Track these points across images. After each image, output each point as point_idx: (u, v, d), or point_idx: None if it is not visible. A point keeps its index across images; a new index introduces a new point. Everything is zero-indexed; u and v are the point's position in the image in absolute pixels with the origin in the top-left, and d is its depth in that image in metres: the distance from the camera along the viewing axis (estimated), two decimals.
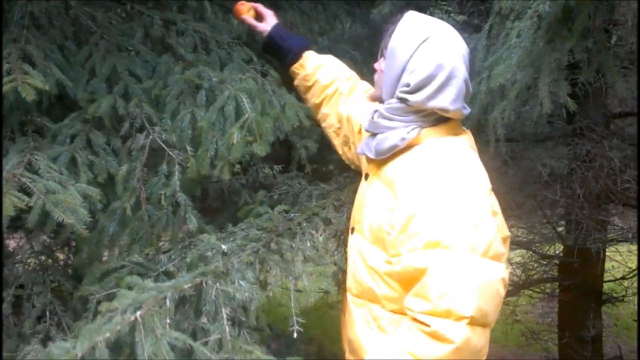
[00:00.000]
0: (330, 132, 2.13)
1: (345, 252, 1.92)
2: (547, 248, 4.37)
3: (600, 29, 1.83)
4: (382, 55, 1.81)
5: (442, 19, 2.26)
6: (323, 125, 2.14)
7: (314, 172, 2.16)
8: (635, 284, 4.79)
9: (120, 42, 2.05)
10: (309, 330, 2.07)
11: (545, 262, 4.37)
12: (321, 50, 2.27)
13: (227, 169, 1.82)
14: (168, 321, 1.42)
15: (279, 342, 1.69)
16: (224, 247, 1.70)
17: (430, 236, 1.51)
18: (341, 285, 1.96)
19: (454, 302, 1.47)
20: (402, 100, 1.69)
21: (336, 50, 2.42)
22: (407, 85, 1.66)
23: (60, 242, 2.13)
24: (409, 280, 1.56)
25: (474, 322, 1.48)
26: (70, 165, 1.81)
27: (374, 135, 1.77)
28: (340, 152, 2.13)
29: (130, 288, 1.50)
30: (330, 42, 2.48)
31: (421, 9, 2.58)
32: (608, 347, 4.64)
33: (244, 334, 1.51)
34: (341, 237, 1.94)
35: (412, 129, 1.68)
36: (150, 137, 1.91)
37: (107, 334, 1.34)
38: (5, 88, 1.70)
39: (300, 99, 2.14)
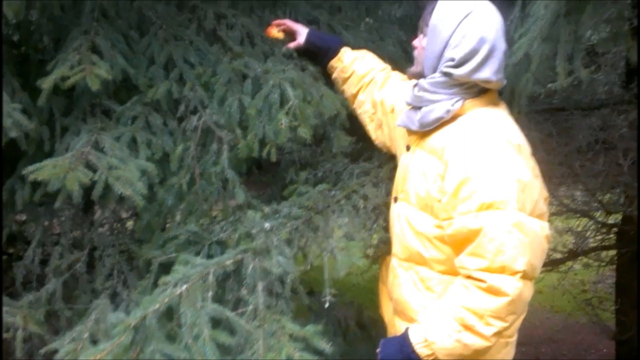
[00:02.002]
0: (365, 118, 2.27)
1: (384, 225, 2.07)
2: (605, 216, 4.34)
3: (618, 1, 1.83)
4: (422, 33, 1.92)
5: None
6: (359, 112, 2.28)
7: (357, 151, 2.29)
8: None
9: (177, 32, 2.22)
10: (348, 295, 2.25)
11: (604, 230, 4.35)
12: (368, 30, 2.37)
13: (274, 151, 2.00)
14: (210, 294, 1.62)
15: (320, 306, 1.87)
16: (266, 225, 1.87)
17: (483, 198, 1.66)
18: (377, 256, 2.12)
19: (508, 259, 1.63)
20: (447, 74, 1.80)
21: (383, 30, 2.50)
22: (452, 59, 1.77)
23: (126, 211, 2.37)
24: (461, 242, 1.71)
25: (525, 276, 1.64)
26: (131, 143, 2.02)
27: (416, 108, 1.89)
28: (373, 136, 2.26)
29: (184, 264, 1.70)
30: (377, 22, 2.55)
31: None
32: None
33: (280, 304, 1.69)
34: (379, 212, 2.07)
35: (456, 101, 1.81)
36: (203, 119, 2.09)
37: (157, 305, 1.56)
38: (75, 78, 1.91)
39: (337, 91, 2.28)
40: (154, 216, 2.08)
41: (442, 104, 1.81)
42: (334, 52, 2.28)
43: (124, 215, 2.45)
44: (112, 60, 2.02)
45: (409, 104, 1.94)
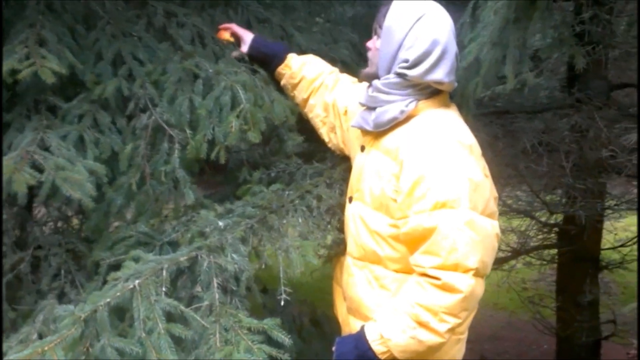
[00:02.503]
0: (317, 122, 2.27)
1: (338, 226, 2.08)
2: (546, 216, 4.48)
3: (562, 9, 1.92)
4: (375, 34, 1.94)
5: None
6: (310, 116, 2.29)
7: (310, 152, 2.30)
8: (634, 251, 4.90)
9: (125, 28, 2.18)
10: (302, 293, 2.25)
11: (545, 230, 4.49)
12: (321, 32, 2.38)
13: (223, 152, 1.98)
14: (164, 289, 1.60)
15: (276, 303, 1.88)
16: (220, 223, 1.86)
17: (437, 197, 1.69)
18: (331, 256, 2.13)
19: (461, 256, 1.67)
20: (401, 75, 1.83)
21: (335, 32, 2.53)
22: (406, 60, 1.80)
23: (74, 209, 2.31)
24: (416, 240, 1.74)
25: (477, 273, 1.68)
26: (78, 142, 1.97)
27: (370, 109, 1.91)
28: (327, 139, 2.28)
29: (135, 260, 1.67)
30: (330, 24, 2.57)
31: None
32: (603, 313, 4.78)
33: (235, 301, 1.68)
34: (332, 212, 2.08)
35: (410, 102, 1.84)
36: (153, 117, 2.05)
37: (108, 299, 1.52)
38: (25, 72, 1.85)
39: (287, 96, 2.28)
40: (103, 217, 2.04)
41: (397, 104, 1.84)
42: (280, 59, 2.28)
43: (70, 213, 2.38)
44: (59, 54, 1.96)
45: (363, 105, 1.96)
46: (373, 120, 1.89)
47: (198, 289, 1.67)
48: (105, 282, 1.78)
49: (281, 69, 2.28)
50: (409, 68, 1.81)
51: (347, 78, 2.29)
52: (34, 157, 1.81)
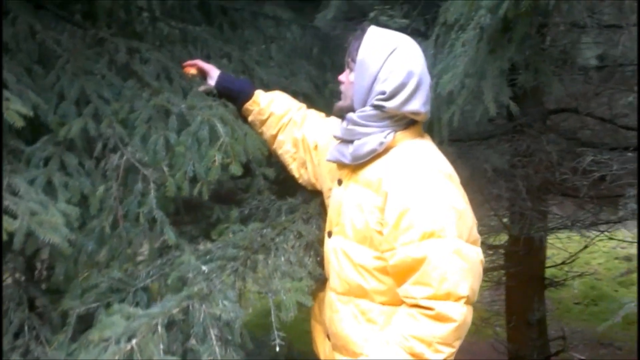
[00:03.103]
0: (287, 158, 2.26)
1: (318, 261, 2.05)
2: (493, 239, 4.61)
3: (535, 36, 2.00)
4: (348, 68, 1.94)
5: (386, 23, 2.43)
6: (279, 152, 2.27)
7: (281, 188, 2.26)
8: (575, 268, 5.11)
9: (86, 66, 2.08)
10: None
11: (492, 252, 4.61)
12: (279, 66, 2.38)
13: (206, 188, 1.93)
14: (162, 347, 1.50)
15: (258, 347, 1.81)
16: (204, 268, 1.78)
17: (424, 228, 1.70)
18: (310, 292, 2.08)
19: (452, 285, 1.67)
20: (378, 107, 1.83)
21: (293, 65, 2.52)
22: (383, 92, 1.82)
23: (35, 259, 2.16)
24: (405, 272, 1.73)
25: (468, 300, 1.69)
26: (46, 186, 1.85)
27: (347, 142, 1.90)
28: (297, 175, 2.26)
29: (127, 317, 1.57)
30: (284, 56, 2.57)
31: (365, 14, 2.73)
32: (552, 329, 4.93)
33: (230, 351, 1.60)
34: (312, 248, 2.05)
35: (388, 133, 1.85)
36: (125, 157, 1.96)
37: None
38: None
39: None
40: (72, 264, 1.91)
41: (375, 136, 1.85)
42: (247, 95, 2.26)
43: (37, 262, 2.22)
44: (21, 95, 1.85)
45: (338, 138, 1.95)
46: (351, 153, 1.88)
47: (192, 341, 1.59)
48: (73, 338, 1.70)
49: (249, 105, 2.25)
50: (385, 100, 1.82)
51: (314, 113, 2.28)
52: (5, 203, 1.69)
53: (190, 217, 2.15)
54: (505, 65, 1.94)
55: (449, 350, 1.69)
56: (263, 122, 2.26)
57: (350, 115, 1.90)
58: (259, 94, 2.27)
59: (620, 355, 5.70)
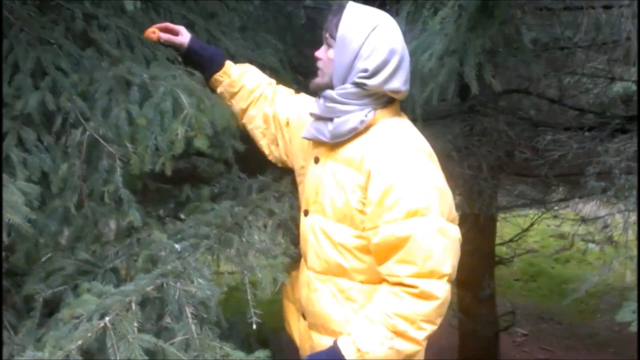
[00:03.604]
0: (257, 133, 2.19)
1: (292, 239, 2.02)
2: None
3: (516, 14, 2.02)
4: (326, 44, 1.89)
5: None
6: (250, 127, 2.20)
7: (250, 165, 2.20)
8: (523, 246, 5.27)
9: (42, 35, 1.95)
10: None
11: None
12: (245, 38, 2.31)
13: (169, 164, 1.84)
14: (136, 324, 1.44)
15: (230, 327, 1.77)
16: (177, 246, 1.72)
17: (409, 206, 1.69)
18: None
19: (436, 263, 1.67)
20: (359, 84, 1.80)
21: (258, 38, 2.45)
22: (365, 70, 1.78)
23: None
24: (388, 250, 1.72)
25: (449, 278, 1.70)
26: (4, 164, 1.74)
27: (325, 120, 1.86)
28: (267, 152, 2.20)
29: (99, 294, 1.49)
30: (251, 30, 2.48)
31: None
32: (500, 304, 5.07)
33: (206, 330, 1.55)
34: (285, 226, 2.02)
35: (369, 112, 1.82)
36: (87, 132, 1.86)
37: (80, 342, 1.35)
38: None
39: None
40: (33, 246, 1.81)
41: (356, 114, 1.82)
42: (218, 65, 2.16)
43: None
44: None
45: (316, 116, 1.90)
46: (331, 131, 1.85)
47: (167, 319, 1.53)
48: (41, 322, 1.62)
49: (219, 76, 2.16)
50: (368, 77, 1.79)
51: (284, 89, 2.23)
52: None
53: (159, 197, 2.07)
54: (488, 44, 1.94)
55: (431, 328, 1.70)
56: (233, 95, 2.18)
57: (329, 92, 1.85)
58: (230, 65, 2.18)
59: (560, 329, 5.94)
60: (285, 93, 2.21)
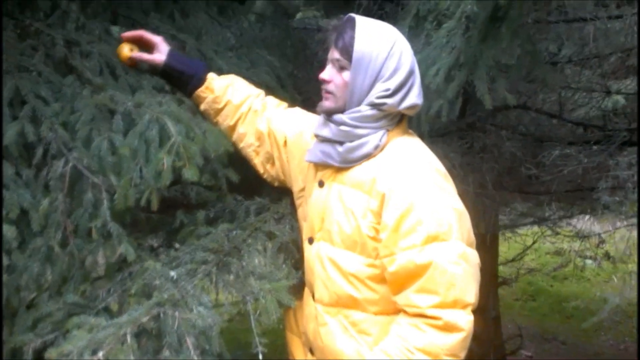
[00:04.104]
0: (250, 152, 2.05)
1: (294, 264, 1.89)
2: None
3: (529, 25, 1.94)
4: (339, 66, 1.74)
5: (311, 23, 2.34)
6: (240, 146, 2.06)
7: (245, 186, 2.07)
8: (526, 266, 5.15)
9: (20, 61, 1.85)
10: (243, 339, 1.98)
11: None
12: (238, 56, 2.21)
13: (155, 197, 1.70)
14: (132, 358, 1.30)
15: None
16: (172, 273, 1.59)
17: (428, 230, 1.56)
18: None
19: (460, 292, 1.55)
20: (377, 105, 1.68)
21: (252, 55, 2.35)
22: (387, 90, 1.67)
23: None
24: (406, 278, 1.59)
25: (473, 307, 1.58)
26: None
27: (333, 142, 1.74)
28: (261, 170, 2.06)
29: (89, 329, 1.35)
30: (245, 48, 2.39)
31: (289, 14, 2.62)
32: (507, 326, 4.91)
33: None
34: (286, 249, 1.89)
35: (383, 135, 1.71)
36: (70, 163, 1.73)
37: None
38: None
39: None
40: (14, 291, 1.66)
41: (371, 138, 1.70)
42: (199, 79, 2.01)
43: None
44: None
45: (326, 139, 1.77)
46: (341, 155, 1.73)
47: (166, 352, 1.38)
48: None
49: (201, 91, 2.01)
50: (388, 97, 1.67)
51: (274, 101, 2.09)
52: None
53: (150, 226, 1.93)
54: (499, 56, 1.87)
55: None
56: (218, 112, 2.03)
57: (340, 117, 1.72)
58: (213, 79, 2.02)
59: (565, 350, 5.78)
60: (278, 107, 2.08)
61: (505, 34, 1.78)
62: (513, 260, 5.16)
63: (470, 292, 1.57)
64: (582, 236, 4.58)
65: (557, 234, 5.11)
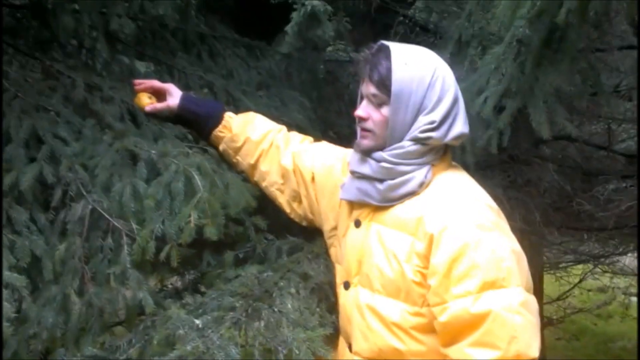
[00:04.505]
0: (274, 191, 1.91)
1: (328, 308, 1.73)
2: None
3: (590, 48, 1.81)
4: (376, 102, 1.58)
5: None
6: (263, 185, 1.92)
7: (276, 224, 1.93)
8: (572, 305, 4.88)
9: (38, 101, 1.77)
10: None
11: None
12: (268, 96, 2.12)
13: (175, 252, 1.59)
14: None
15: None
16: (197, 322, 1.45)
17: (484, 276, 1.40)
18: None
19: (523, 346, 1.38)
20: (421, 140, 1.54)
21: (282, 95, 2.26)
22: (432, 123, 1.52)
23: None
24: (459, 330, 1.42)
25: None
26: None
27: (372, 180, 1.59)
28: (288, 210, 1.91)
29: None
30: (276, 88, 2.30)
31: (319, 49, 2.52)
32: None
33: None
34: (320, 292, 1.74)
35: (428, 171, 1.56)
36: (90, 206, 1.62)
37: None
38: None
39: (231, 166, 1.95)
40: (24, 344, 1.52)
41: (415, 175, 1.55)
42: (216, 120, 1.91)
43: None
44: None
45: (363, 176, 1.62)
46: (382, 193, 1.57)
47: None
48: None
49: (218, 131, 1.91)
50: (433, 130, 1.53)
51: (296, 136, 1.96)
52: None
53: (175, 268, 1.79)
54: (559, 82, 1.73)
55: None
56: (237, 150, 1.92)
57: (381, 154, 1.57)
58: (230, 118, 1.93)
59: None
60: (303, 142, 1.94)
61: (563, 59, 1.64)
62: (559, 299, 4.87)
63: (534, 345, 1.40)
64: (626, 273, 4.33)
65: (606, 272, 4.85)
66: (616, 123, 3.63)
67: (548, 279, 5.12)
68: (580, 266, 5.04)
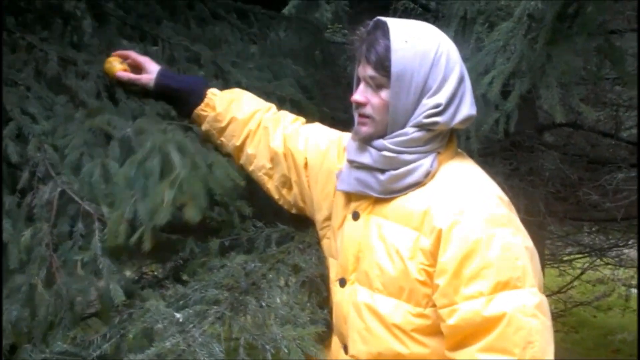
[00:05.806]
0: (261, 176, 1.76)
1: (319, 302, 1.62)
2: None
3: (607, 22, 1.69)
4: (374, 84, 1.44)
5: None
6: (250, 169, 1.77)
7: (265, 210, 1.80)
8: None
9: (8, 75, 1.64)
10: None
11: None
12: (260, 68, 1.98)
13: (148, 236, 1.46)
14: None
15: None
16: (178, 315, 1.34)
17: (497, 276, 1.28)
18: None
19: (538, 351, 1.29)
20: (426, 125, 1.40)
21: (276, 66, 2.12)
22: (437, 106, 1.38)
23: None
24: (470, 334, 1.30)
25: None
26: None
27: (373, 170, 1.45)
28: (276, 196, 1.76)
29: None
30: (267, 57, 2.15)
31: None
32: None
33: None
34: (311, 285, 1.62)
35: (433, 160, 1.42)
36: (59, 189, 1.49)
37: None
38: None
39: (214, 146, 1.79)
40: None
41: (421, 164, 1.42)
42: (198, 97, 1.76)
43: None
44: None
45: (364, 165, 1.47)
46: (383, 184, 1.44)
47: None
48: None
49: (200, 110, 1.76)
50: (439, 114, 1.39)
51: (288, 116, 1.81)
52: None
53: (156, 254, 1.67)
54: (572, 61, 1.58)
55: None
56: (222, 131, 1.77)
57: (382, 142, 1.43)
58: (213, 95, 1.77)
59: None
60: (294, 122, 1.79)
61: (579, 35, 1.50)
62: (559, 292, 4.77)
63: (549, 350, 1.30)
64: (627, 265, 4.23)
65: (608, 264, 4.75)
66: (622, 109, 3.50)
67: (547, 271, 5.01)
68: (580, 257, 4.93)
